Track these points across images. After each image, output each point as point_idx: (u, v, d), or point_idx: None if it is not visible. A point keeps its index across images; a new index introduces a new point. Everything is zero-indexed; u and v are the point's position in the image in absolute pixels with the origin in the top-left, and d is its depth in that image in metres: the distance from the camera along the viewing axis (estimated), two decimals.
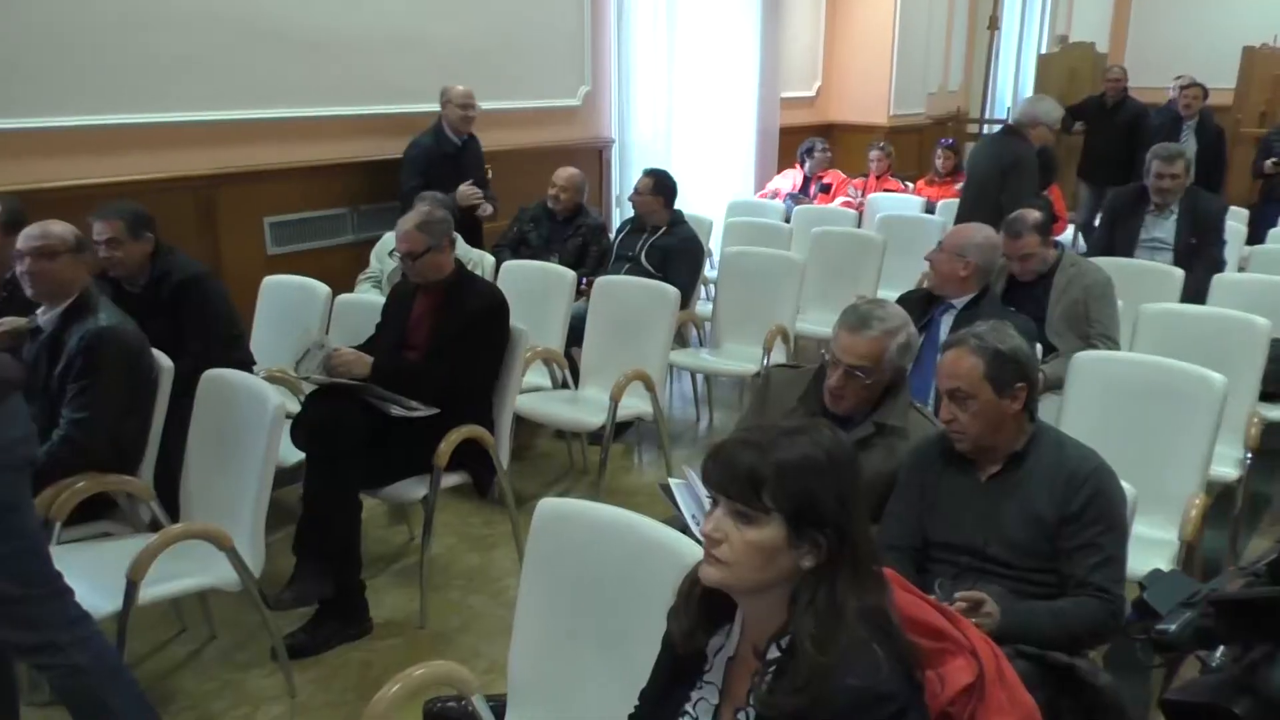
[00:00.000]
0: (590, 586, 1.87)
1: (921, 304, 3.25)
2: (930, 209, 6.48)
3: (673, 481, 2.33)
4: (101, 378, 2.70)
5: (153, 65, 3.99)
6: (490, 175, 5.08)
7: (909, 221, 5.93)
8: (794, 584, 1.31)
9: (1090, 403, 2.95)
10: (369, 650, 2.99)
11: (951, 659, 1.45)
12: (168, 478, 2.91)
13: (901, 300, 3.29)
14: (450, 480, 3.17)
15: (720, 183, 7.14)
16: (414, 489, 3.11)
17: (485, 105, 5.11)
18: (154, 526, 2.81)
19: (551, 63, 5.68)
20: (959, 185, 6.94)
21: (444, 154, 4.84)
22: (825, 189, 6.98)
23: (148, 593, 2.39)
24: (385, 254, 4.33)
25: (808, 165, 7.06)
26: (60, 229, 2.77)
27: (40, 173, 3.72)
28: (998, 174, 4.61)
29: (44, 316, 2.79)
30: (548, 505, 1.95)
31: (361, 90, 4.76)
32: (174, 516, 2.84)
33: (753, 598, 1.34)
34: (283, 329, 3.82)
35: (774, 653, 1.32)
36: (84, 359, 2.69)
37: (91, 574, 2.33)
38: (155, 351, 2.91)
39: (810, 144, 7.11)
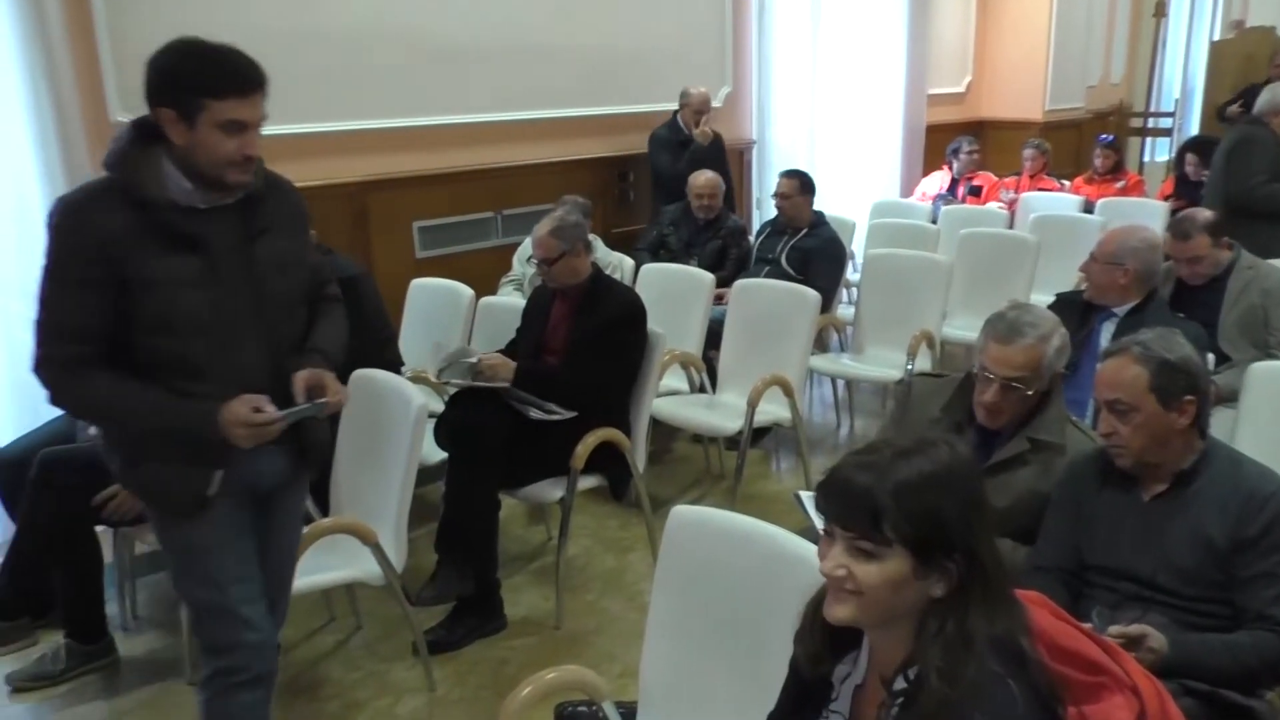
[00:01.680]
0: (723, 597, 1.84)
1: (1080, 311, 3.06)
2: (1089, 209, 6.14)
3: (804, 493, 2.27)
4: None
5: (309, 78, 4.17)
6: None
7: (1065, 222, 5.62)
8: (922, 612, 1.24)
9: (1269, 418, 2.72)
10: (505, 648, 3.04)
11: (1109, 695, 1.34)
12: (320, 473, 3.01)
13: (1059, 302, 3.11)
14: (587, 482, 3.19)
15: (864, 183, 6.97)
16: (551, 490, 3.14)
17: (628, 109, 5.15)
18: (305, 520, 2.92)
19: (693, 65, 5.67)
20: (1120, 184, 6.58)
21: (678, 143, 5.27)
22: (975, 191, 6.72)
23: (298, 583, 2.48)
24: (526, 258, 4.40)
25: (955, 166, 6.82)
26: None
27: None
28: (1223, 162, 4.38)
29: None
30: (680, 513, 1.93)
31: (507, 98, 4.86)
32: (324, 511, 2.95)
33: (880, 628, 1.28)
34: (429, 330, 3.92)
35: (901, 684, 1.25)
36: None
37: None
38: None
39: (957, 144, 6.85)
